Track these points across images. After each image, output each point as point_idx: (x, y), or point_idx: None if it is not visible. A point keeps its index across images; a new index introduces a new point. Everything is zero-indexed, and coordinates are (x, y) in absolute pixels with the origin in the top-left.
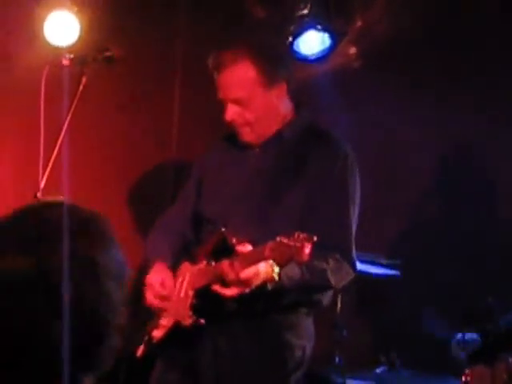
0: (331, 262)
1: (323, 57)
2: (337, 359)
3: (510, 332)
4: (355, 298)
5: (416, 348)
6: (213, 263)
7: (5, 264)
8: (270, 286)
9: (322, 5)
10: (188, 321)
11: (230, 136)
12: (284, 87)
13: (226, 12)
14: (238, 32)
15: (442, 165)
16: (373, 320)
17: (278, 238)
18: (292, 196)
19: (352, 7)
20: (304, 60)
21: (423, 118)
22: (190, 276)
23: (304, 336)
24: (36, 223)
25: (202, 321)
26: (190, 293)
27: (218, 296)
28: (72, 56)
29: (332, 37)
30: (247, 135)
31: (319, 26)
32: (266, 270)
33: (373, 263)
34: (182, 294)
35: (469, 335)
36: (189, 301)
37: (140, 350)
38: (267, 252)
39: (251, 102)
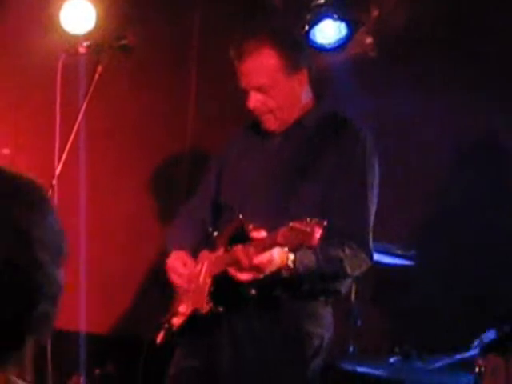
0: (347, 250)
1: (339, 46)
2: (351, 348)
3: None
4: (370, 288)
5: (431, 338)
6: (229, 250)
7: None
8: (285, 273)
9: None
10: (206, 308)
11: (252, 125)
12: (305, 75)
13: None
14: (257, 20)
15: (459, 155)
16: (387, 310)
17: (290, 224)
18: (310, 184)
19: None
20: (320, 49)
21: (440, 107)
22: (208, 263)
23: (322, 325)
24: None
25: (221, 308)
26: (208, 280)
27: (235, 283)
28: (88, 44)
29: (348, 26)
30: (270, 123)
31: (336, 15)
32: (281, 256)
33: (388, 253)
34: (201, 281)
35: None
36: (207, 288)
37: (160, 337)
38: (279, 237)
39: (274, 89)
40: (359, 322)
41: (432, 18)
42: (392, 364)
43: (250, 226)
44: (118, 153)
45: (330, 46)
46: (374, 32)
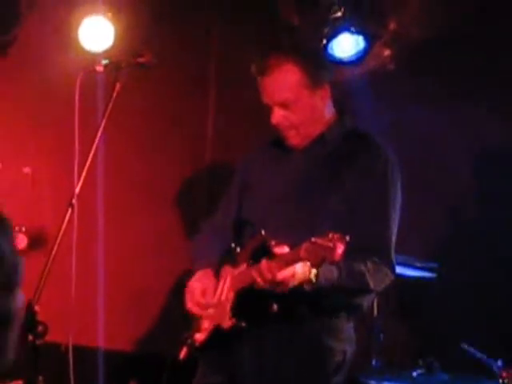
0: (370, 265)
1: (357, 59)
2: (373, 362)
3: None
4: (392, 301)
5: (453, 351)
6: (252, 266)
7: None
8: (307, 287)
9: (355, 7)
10: (228, 323)
11: (274, 140)
12: (328, 90)
13: (260, 15)
14: (277, 36)
15: (479, 166)
16: (410, 323)
17: (312, 239)
18: (332, 199)
19: (385, 9)
20: (338, 63)
21: (459, 119)
22: (230, 279)
23: (344, 340)
24: None
25: (243, 324)
26: (231, 295)
27: (258, 299)
28: (106, 62)
29: (366, 39)
30: (293, 138)
31: (353, 29)
32: (303, 271)
33: (409, 265)
34: (223, 297)
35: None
36: (229, 304)
37: (182, 353)
38: (302, 253)
39: (297, 104)
40: (382, 336)
41: (451, 30)
42: (415, 377)
43: (273, 242)
44: (137, 170)
45: (347, 60)
46: (392, 44)
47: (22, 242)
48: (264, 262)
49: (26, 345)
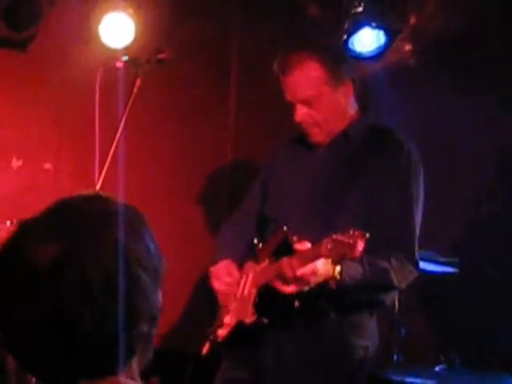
0: (394, 261)
1: (378, 54)
2: (395, 357)
3: None
4: (414, 296)
5: (476, 347)
6: (274, 262)
7: (33, 252)
8: (331, 284)
9: (376, 2)
10: (250, 319)
11: (297, 137)
12: (350, 86)
13: (281, 11)
14: (299, 34)
15: (502, 162)
16: (431, 318)
17: (333, 235)
18: (355, 196)
19: (406, 4)
20: (359, 57)
21: (482, 115)
22: (253, 275)
23: (367, 336)
24: (70, 213)
25: (265, 320)
26: (253, 291)
27: (280, 295)
28: (126, 58)
29: (387, 34)
30: (317, 135)
31: (374, 24)
32: (327, 268)
33: (431, 261)
34: (246, 293)
35: None
36: (251, 299)
37: (205, 349)
38: (323, 249)
39: (320, 101)
40: (403, 331)
41: (471, 23)
42: (437, 372)
43: (294, 238)
44: (158, 166)
45: (368, 55)
46: (413, 39)
47: None
48: (284, 259)
49: None
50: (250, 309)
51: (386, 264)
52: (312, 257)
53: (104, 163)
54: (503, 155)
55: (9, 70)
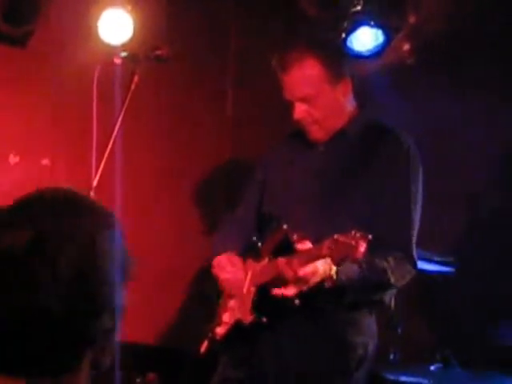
0: (392, 260)
1: (377, 53)
2: (391, 356)
3: None
4: (411, 295)
5: (471, 346)
6: (274, 260)
7: (6, 239)
8: (327, 284)
9: (375, 1)
10: (249, 318)
11: (295, 134)
12: (349, 83)
13: (280, 9)
14: (298, 31)
15: (498, 161)
16: (428, 317)
17: (335, 236)
18: (355, 194)
19: (405, 3)
20: (357, 56)
21: (479, 113)
22: (252, 273)
23: (366, 334)
24: (40, 204)
25: (264, 319)
26: (252, 290)
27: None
28: (124, 54)
29: (385, 33)
30: (316, 133)
31: (372, 22)
32: (324, 268)
33: (428, 260)
34: (245, 291)
35: None
36: (251, 298)
37: (203, 346)
38: (325, 250)
39: (319, 99)
40: (400, 330)
41: (471, 23)
42: (433, 371)
43: (295, 237)
44: (156, 162)
45: (367, 54)
46: (412, 38)
47: None
48: (284, 259)
49: None
50: (249, 308)
51: (383, 263)
52: (313, 257)
53: (101, 159)
54: (500, 154)
55: (6, 66)
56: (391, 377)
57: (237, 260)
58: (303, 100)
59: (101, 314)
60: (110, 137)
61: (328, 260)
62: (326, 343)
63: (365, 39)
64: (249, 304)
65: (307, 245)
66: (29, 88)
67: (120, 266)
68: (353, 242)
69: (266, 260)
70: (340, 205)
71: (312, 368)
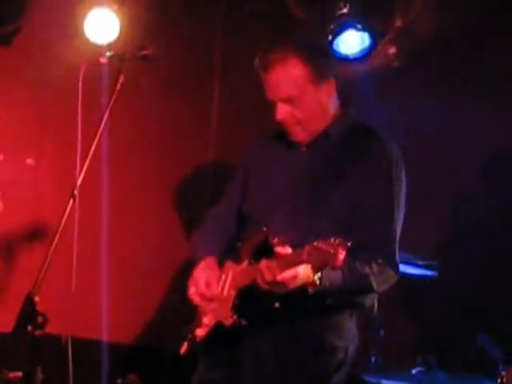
0: (374, 266)
1: (363, 56)
2: (373, 359)
3: None
4: (393, 298)
5: (453, 349)
6: (254, 263)
7: None
8: (311, 290)
9: (361, 4)
10: (229, 321)
11: (277, 135)
12: (333, 84)
13: (266, 10)
14: (282, 31)
15: (483, 165)
16: (409, 320)
17: (314, 243)
18: (337, 197)
19: (391, 7)
20: (343, 59)
21: (464, 117)
22: (232, 275)
23: (347, 337)
24: None
25: (244, 321)
26: (232, 292)
27: (259, 296)
28: (110, 54)
29: (372, 36)
30: (298, 134)
31: (359, 26)
32: (307, 274)
33: (411, 263)
34: (225, 294)
35: None
36: (231, 300)
37: (183, 348)
38: (305, 256)
39: (302, 99)
40: (381, 333)
41: (456, 28)
42: (414, 375)
43: (275, 240)
44: (140, 161)
45: (353, 57)
46: (398, 42)
47: None
48: (264, 263)
49: (25, 336)
50: (229, 310)
51: (366, 269)
52: (292, 262)
53: (86, 159)
54: (484, 158)
55: None
56: (372, 380)
57: (212, 279)
58: (286, 100)
59: None
60: (95, 136)
61: (309, 265)
62: (306, 346)
63: (351, 42)
64: (229, 306)
65: (287, 249)
66: (14, 87)
67: None
68: (332, 250)
69: (246, 262)
70: (322, 208)
71: (291, 371)
